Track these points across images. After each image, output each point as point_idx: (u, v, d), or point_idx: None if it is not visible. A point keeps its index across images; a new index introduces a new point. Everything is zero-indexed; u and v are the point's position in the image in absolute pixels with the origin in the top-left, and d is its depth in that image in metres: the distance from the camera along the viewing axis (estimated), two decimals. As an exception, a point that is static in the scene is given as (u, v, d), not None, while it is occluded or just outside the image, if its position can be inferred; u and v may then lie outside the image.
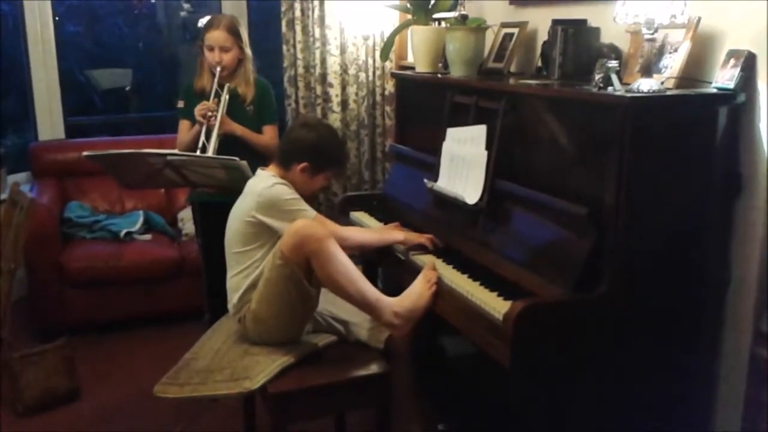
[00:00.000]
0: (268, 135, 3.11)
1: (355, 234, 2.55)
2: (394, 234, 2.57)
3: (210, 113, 2.95)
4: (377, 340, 2.40)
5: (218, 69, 3.01)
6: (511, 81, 2.55)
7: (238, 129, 3.03)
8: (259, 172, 2.46)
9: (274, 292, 2.24)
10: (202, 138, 2.95)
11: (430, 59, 2.99)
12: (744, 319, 2.10)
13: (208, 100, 3.00)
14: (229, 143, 2.97)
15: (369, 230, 2.72)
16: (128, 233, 3.97)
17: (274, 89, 3.24)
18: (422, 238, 2.51)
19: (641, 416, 2.05)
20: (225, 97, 3.01)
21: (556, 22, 2.48)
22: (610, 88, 1.99)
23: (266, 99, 3.17)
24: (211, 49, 3.03)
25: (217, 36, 3.02)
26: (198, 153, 2.90)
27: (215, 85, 3.01)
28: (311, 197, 2.61)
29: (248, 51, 3.11)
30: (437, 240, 2.52)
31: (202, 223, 3.15)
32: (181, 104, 3.17)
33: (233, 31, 3.04)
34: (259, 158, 2.90)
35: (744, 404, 2.07)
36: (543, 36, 2.66)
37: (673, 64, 2.13)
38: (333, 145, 2.49)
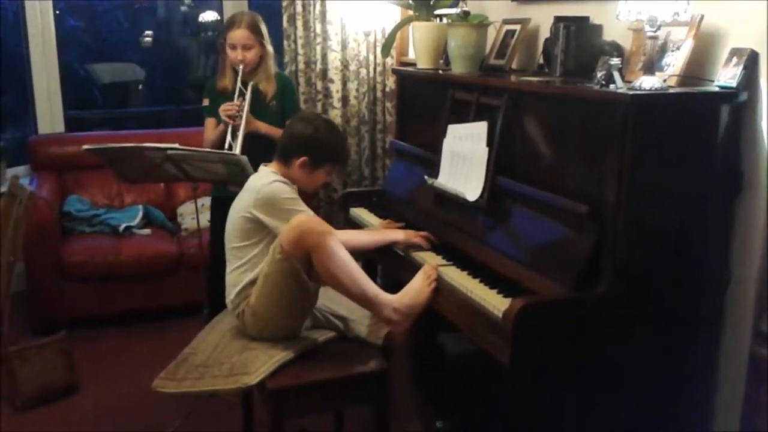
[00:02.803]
0: None
1: (352, 237, 2.48)
2: (392, 234, 2.56)
3: (235, 113, 2.96)
4: (376, 337, 2.40)
5: (241, 67, 3.02)
6: (513, 78, 2.54)
7: (263, 127, 3.05)
8: (261, 168, 2.46)
9: (273, 287, 2.23)
10: (228, 138, 2.97)
11: (432, 56, 2.98)
12: (744, 318, 2.10)
13: (231, 98, 3.02)
14: (254, 141, 2.97)
15: (367, 232, 2.69)
16: (127, 227, 3.97)
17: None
18: (418, 238, 2.50)
19: (640, 415, 2.05)
20: (249, 96, 3.02)
21: (558, 19, 2.48)
22: (612, 86, 1.99)
23: (288, 93, 3.20)
24: (234, 47, 3.05)
25: (239, 35, 3.03)
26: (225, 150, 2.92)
27: (239, 84, 3.03)
28: (312, 194, 2.60)
29: (269, 47, 3.13)
30: (432, 237, 2.52)
31: (221, 219, 3.14)
32: (206, 102, 3.21)
33: (255, 29, 3.06)
34: None
35: (744, 403, 2.07)
36: (545, 33, 2.65)
37: (675, 62, 2.13)
38: (331, 138, 2.47)
